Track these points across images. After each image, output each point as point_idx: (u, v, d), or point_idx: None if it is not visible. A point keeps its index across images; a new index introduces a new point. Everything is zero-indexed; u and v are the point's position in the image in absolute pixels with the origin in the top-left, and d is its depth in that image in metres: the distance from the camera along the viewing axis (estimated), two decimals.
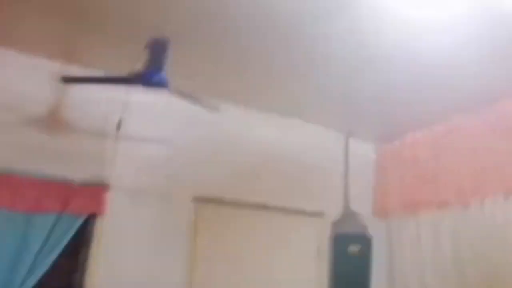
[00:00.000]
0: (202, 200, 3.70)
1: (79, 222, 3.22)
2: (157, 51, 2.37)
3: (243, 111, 3.99)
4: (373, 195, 4.41)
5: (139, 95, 3.25)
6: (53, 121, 3.23)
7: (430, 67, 3.02)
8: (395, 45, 2.72)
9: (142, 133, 3.56)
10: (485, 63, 2.87)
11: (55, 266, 3.08)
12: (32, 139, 3.15)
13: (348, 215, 4.29)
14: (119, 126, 3.23)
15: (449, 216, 3.64)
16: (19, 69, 3.15)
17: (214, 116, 3.59)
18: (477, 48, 2.69)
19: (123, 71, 2.72)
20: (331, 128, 4.35)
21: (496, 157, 3.31)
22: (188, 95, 2.87)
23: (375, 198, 4.39)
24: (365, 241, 4.23)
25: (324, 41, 2.76)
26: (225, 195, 3.79)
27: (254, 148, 4.00)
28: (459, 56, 2.79)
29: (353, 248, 4.18)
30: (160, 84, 2.57)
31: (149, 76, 2.51)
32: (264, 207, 3.91)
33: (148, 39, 2.38)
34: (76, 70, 3.21)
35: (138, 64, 2.59)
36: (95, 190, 3.30)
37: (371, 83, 3.36)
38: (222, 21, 2.66)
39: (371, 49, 2.77)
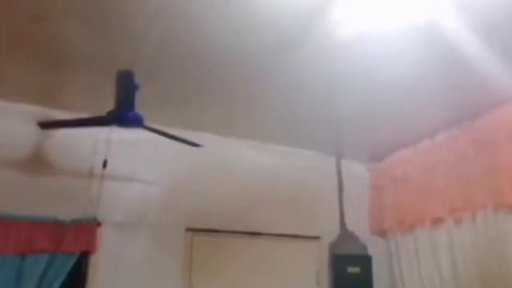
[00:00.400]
0: (195, 231, 3.74)
1: (72, 261, 3.26)
2: (126, 85, 2.43)
3: (231, 141, 4.04)
4: (369, 214, 4.38)
5: (123, 132, 3.32)
6: (39, 163, 3.32)
7: (406, 87, 3.04)
8: (367, 70, 2.76)
9: (130, 168, 3.63)
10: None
11: None
12: (20, 182, 3.24)
13: (345, 236, 4.27)
14: (105, 164, 3.29)
15: (444, 231, 3.62)
16: (2, 116, 3.26)
17: (206, 147, 3.66)
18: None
19: (103, 111, 2.81)
20: (321, 151, 4.37)
21: (482, 171, 3.29)
22: (164, 132, 2.92)
23: (372, 217, 4.37)
24: (365, 261, 4.21)
25: (295, 70, 2.81)
26: (218, 225, 3.82)
27: (245, 177, 4.03)
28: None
29: (353, 269, 4.15)
30: (135, 122, 2.62)
31: (123, 115, 2.57)
32: (258, 234, 3.93)
33: (116, 73, 2.44)
34: (57, 113, 3.30)
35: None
36: (87, 228, 3.36)
37: (352, 105, 3.38)
38: (197, 55, 2.75)
39: (344, 76, 2.81)
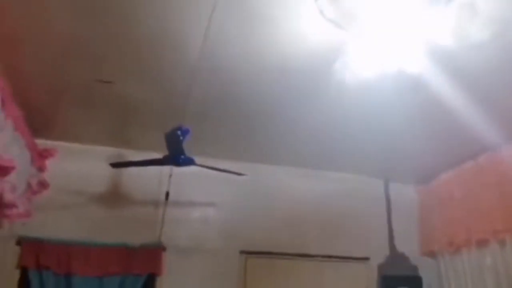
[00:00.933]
0: (249, 253, 4.08)
1: (141, 282, 3.72)
2: (174, 139, 2.86)
3: (281, 168, 4.36)
4: (419, 235, 4.48)
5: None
6: (112, 196, 3.87)
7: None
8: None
9: (190, 197, 4.08)
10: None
11: None
12: (97, 213, 3.80)
13: (395, 257, 4.40)
14: (167, 196, 3.78)
15: (488, 253, 3.66)
16: (82, 158, 3.85)
17: (255, 175, 4.05)
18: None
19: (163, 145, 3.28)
20: (369, 175, 4.54)
21: None
22: (213, 167, 3.33)
23: (422, 238, 4.46)
24: (415, 282, 4.30)
25: (311, 114, 3.18)
26: (270, 247, 4.13)
27: (295, 201, 4.31)
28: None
29: None
30: (187, 162, 3.06)
31: (176, 158, 3.02)
32: (308, 256, 4.18)
33: (164, 135, 2.89)
34: (126, 152, 3.86)
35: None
36: (153, 252, 3.82)
37: (401, 133, 3.55)
38: (237, 100, 3.14)
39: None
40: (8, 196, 2.83)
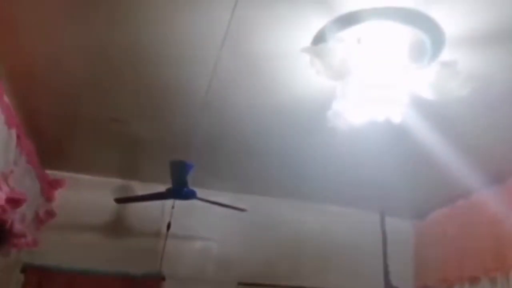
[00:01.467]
0: (246, 285, 4.17)
1: None
2: (178, 170, 3.02)
3: (278, 201, 4.49)
4: (414, 270, 4.56)
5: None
6: (115, 226, 4.01)
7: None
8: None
9: (190, 229, 4.20)
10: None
11: None
12: (100, 243, 3.94)
13: None
14: (168, 227, 3.90)
15: None
16: (89, 188, 4.02)
17: (254, 207, 4.18)
18: None
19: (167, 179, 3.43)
20: (365, 210, 4.67)
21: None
22: (214, 201, 3.47)
23: (416, 273, 4.54)
24: None
25: (309, 151, 3.36)
26: (267, 279, 4.23)
27: (291, 234, 4.44)
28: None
29: None
30: (189, 196, 3.22)
31: (179, 192, 3.18)
32: None
33: (170, 163, 3.05)
34: (133, 184, 4.02)
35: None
36: (153, 282, 3.94)
37: (398, 163, 3.67)
38: (238, 136, 3.31)
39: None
40: (18, 226, 2.97)
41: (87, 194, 4.01)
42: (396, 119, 2.09)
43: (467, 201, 3.99)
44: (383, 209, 4.72)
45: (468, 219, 3.92)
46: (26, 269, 3.67)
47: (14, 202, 2.58)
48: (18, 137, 2.74)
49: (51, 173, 3.86)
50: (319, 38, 2.03)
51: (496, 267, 3.57)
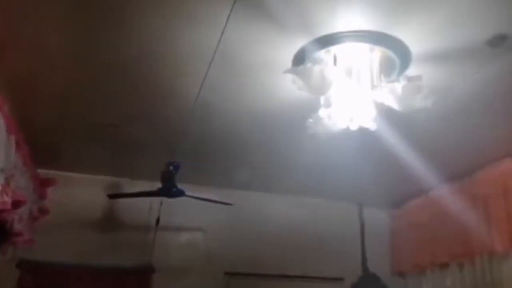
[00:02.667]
0: (232, 274, 4.42)
1: None
2: (167, 174, 3.24)
3: (262, 195, 4.74)
4: (390, 257, 4.88)
5: None
6: (107, 221, 4.21)
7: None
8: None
9: (178, 222, 4.42)
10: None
11: None
12: (93, 237, 4.13)
13: (367, 277, 4.76)
14: (157, 221, 4.12)
15: (449, 275, 4.08)
16: (80, 186, 4.19)
17: (239, 201, 4.41)
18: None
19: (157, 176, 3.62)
20: (345, 201, 4.94)
21: (478, 222, 3.76)
22: (201, 197, 3.70)
23: (392, 259, 4.86)
24: None
25: (290, 148, 3.61)
26: (252, 269, 4.48)
27: (276, 225, 4.67)
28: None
29: None
30: (178, 194, 3.44)
31: (169, 190, 3.39)
32: (287, 277, 4.54)
33: (163, 166, 3.26)
34: (123, 181, 4.21)
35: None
36: (143, 274, 4.15)
37: (372, 163, 3.94)
38: (227, 136, 3.51)
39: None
40: (17, 226, 3.15)
41: (79, 191, 4.18)
42: (371, 126, 2.33)
43: (436, 193, 4.29)
44: (361, 200, 4.99)
45: (438, 210, 4.22)
46: (22, 265, 3.83)
47: (16, 204, 2.75)
48: (17, 142, 2.89)
49: (43, 172, 4.00)
50: (299, 57, 2.25)
51: (464, 254, 3.90)
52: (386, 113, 2.34)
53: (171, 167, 3.21)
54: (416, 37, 2.21)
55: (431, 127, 3.00)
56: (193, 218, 4.48)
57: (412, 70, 2.36)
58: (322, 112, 2.32)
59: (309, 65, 2.07)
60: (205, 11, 2.10)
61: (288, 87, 2.43)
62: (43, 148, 3.68)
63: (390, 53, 2.25)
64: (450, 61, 2.35)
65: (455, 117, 2.83)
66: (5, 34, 2.36)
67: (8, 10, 2.17)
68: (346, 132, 2.45)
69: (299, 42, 2.25)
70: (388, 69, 2.33)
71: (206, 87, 2.68)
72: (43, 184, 3.99)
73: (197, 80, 2.63)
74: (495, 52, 2.24)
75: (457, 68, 2.40)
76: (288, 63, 2.39)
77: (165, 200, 4.08)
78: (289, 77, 2.17)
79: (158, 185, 3.54)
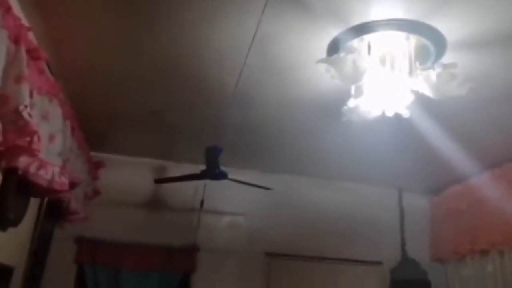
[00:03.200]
0: (273, 255, 4.58)
1: (178, 279, 4.30)
2: (211, 155, 3.40)
3: (302, 180, 4.84)
4: (429, 243, 4.88)
5: None
6: (154, 203, 4.45)
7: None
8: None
9: (221, 204, 4.62)
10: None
11: None
12: (141, 218, 4.39)
13: (406, 262, 4.81)
14: (202, 203, 4.32)
15: (490, 262, 4.05)
16: (129, 168, 4.46)
17: (279, 185, 4.55)
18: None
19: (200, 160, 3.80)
20: (384, 187, 4.97)
21: None
22: (243, 181, 3.85)
23: (432, 246, 4.86)
24: (424, 286, 4.70)
25: (329, 133, 3.68)
26: (292, 250, 4.62)
27: (316, 209, 4.78)
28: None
29: None
30: (221, 177, 3.61)
31: (212, 173, 3.56)
32: (327, 259, 4.66)
33: (204, 149, 3.43)
34: (169, 164, 4.44)
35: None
36: (189, 253, 4.38)
37: (415, 150, 3.97)
38: (265, 123, 3.64)
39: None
40: (73, 205, 3.42)
41: (128, 173, 4.46)
42: (405, 114, 2.38)
43: (476, 180, 4.25)
44: (401, 185, 5.00)
45: (478, 196, 4.18)
46: (79, 240, 4.16)
47: (72, 184, 3.00)
48: (72, 127, 3.14)
49: (95, 155, 4.29)
50: (334, 46, 2.32)
51: (504, 241, 3.86)
52: (422, 100, 2.38)
53: (215, 150, 3.37)
54: (452, 24, 2.22)
55: (468, 114, 2.99)
56: (236, 200, 4.66)
57: (447, 58, 2.38)
58: (356, 100, 2.38)
59: (342, 54, 2.14)
60: (241, 4, 2.21)
61: (322, 76, 2.50)
62: (95, 133, 3.95)
63: (425, 41, 2.28)
64: (486, 48, 2.35)
65: (492, 105, 2.82)
66: (64, 29, 2.57)
67: (67, 7, 2.38)
68: (382, 119, 2.52)
69: (333, 32, 2.32)
70: (423, 57, 2.36)
71: (243, 77, 2.80)
72: (95, 166, 4.28)
73: (236, 70, 2.76)
74: None
75: (493, 55, 2.39)
76: (323, 53, 2.47)
77: (209, 183, 4.29)
78: (323, 66, 2.25)
79: (201, 168, 3.71)
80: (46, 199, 3.32)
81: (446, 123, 2.98)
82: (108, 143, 4.28)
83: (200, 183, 4.31)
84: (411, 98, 2.30)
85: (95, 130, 3.91)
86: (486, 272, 4.10)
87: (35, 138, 2.16)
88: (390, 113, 2.38)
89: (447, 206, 4.71)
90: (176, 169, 4.40)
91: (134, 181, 4.45)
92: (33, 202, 3.03)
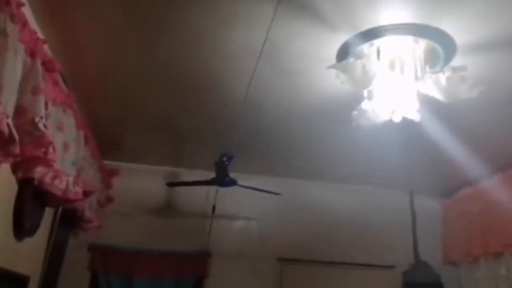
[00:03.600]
0: (285, 260, 4.59)
1: (191, 284, 4.33)
2: (221, 165, 3.43)
3: (314, 183, 4.85)
4: (441, 245, 4.85)
5: None
6: (167, 209, 4.49)
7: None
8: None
9: (233, 210, 4.65)
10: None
11: None
12: (154, 224, 4.43)
13: (419, 265, 4.79)
14: (213, 209, 4.35)
15: (503, 264, 4.02)
16: (142, 176, 4.51)
17: (290, 190, 4.56)
18: None
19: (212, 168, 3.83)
20: (395, 189, 4.96)
21: None
22: (252, 187, 3.87)
23: (444, 248, 4.83)
24: None
25: (339, 137, 3.68)
26: (304, 255, 4.63)
27: (327, 213, 4.79)
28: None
29: None
30: (230, 184, 3.64)
31: (222, 180, 3.60)
32: (339, 263, 4.65)
33: (217, 157, 3.46)
34: (180, 171, 4.48)
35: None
36: (201, 258, 4.41)
37: (426, 153, 3.96)
38: (273, 129, 3.67)
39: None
40: (87, 213, 3.47)
41: (140, 181, 4.51)
42: (416, 118, 2.38)
43: (488, 182, 4.22)
44: (412, 188, 4.99)
45: (490, 199, 4.16)
46: (93, 248, 4.20)
47: (86, 193, 3.05)
48: (85, 137, 3.18)
49: (108, 163, 4.34)
50: (343, 52, 2.34)
51: None
52: (432, 104, 2.39)
53: (224, 158, 3.40)
54: (461, 27, 2.23)
55: (478, 117, 2.99)
56: (247, 205, 4.68)
57: (457, 61, 2.39)
58: (365, 105, 2.40)
59: (351, 60, 2.16)
60: (251, 10, 2.24)
61: (333, 81, 2.52)
62: (108, 141, 4.00)
63: (434, 44, 2.29)
64: (496, 51, 2.35)
65: (503, 107, 2.81)
66: (77, 39, 2.62)
67: (79, 17, 2.42)
68: (392, 123, 2.53)
69: (342, 37, 2.34)
70: (432, 60, 2.37)
71: (254, 83, 2.83)
72: (109, 174, 4.33)
73: (246, 76, 2.79)
74: None
75: (503, 57, 2.40)
76: (333, 58, 2.49)
77: (220, 189, 4.30)
78: (333, 71, 2.27)
79: (214, 175, 3.74)
80: (60, 208, 3.36)
81: (455, 126, 2.99)
82: (121, 151, 4.33)
83: (211, 188, 4.34)
84: (419, 102, 2.31)
85: (108, 138, 3.96)
86: (499, 275, 4.07)
87: (51, 149, 2.20)
88: (399, 118, 2.40)
89: (459, 208, 4.69)
90: (188, 176, 4.44)
91: (146, 188, 4.49)
92: (48, 211, 3.08)
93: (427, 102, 2.35)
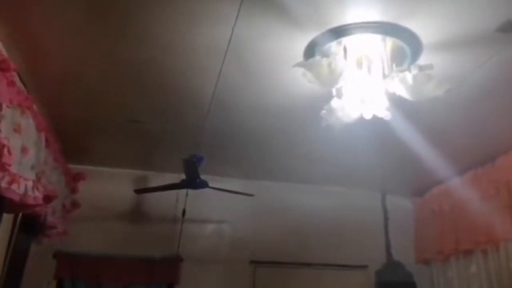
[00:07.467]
0: (258, 263, 4.53)
1: None
2: (190, 165, 3.35)
3: (286, 185, 4.82)
4: (414, 244, 4.88)
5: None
6: (136, 214, 4.37)
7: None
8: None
9: (204, 213, 4.56)
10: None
11: None
12: (123, 229, 4.31)
13: (391, 264, 4.78)
14: (183, 213, 4.25)
15: (474, 262, 4.06)
16: (109, 180, 4.38)
17: (261, 192, 4.50)
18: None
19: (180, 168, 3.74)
20: (368, 189, 4.96)
21: (501, 208, 3.73)
22: (224, 189, 3.80)
23: (416, 247, 4.86)
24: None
25: (309, 139, 3.64)
26: (277, 257, 4.58)
27: (299, 215, 4.76)
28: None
29: None
30: (201, 185, 3.55)
31: (193, 182, 3.51)
32: (312, 265, 4.62)
33: (183, 161, 3.37)
34: (149, 174, 4.37)
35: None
36: (172, 263, 4.30)
37: (396, 153, 3.95)
38: (241, 131, 3.61)
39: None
40: (50, 219, 3.33)
41: (107, 185, 4.37)
42: (386, 116, 2.36)
43: (459, 181, 4.27)
44: (384, 188, 4.99)
45: (461, 197, 4.20)
46: (58, 255, 4.05)
47: (47, 198, 2.92)
48: (46, 139, 3.05)
49: (74, 167, 4.19)
50: (310, 50, 2.30)
51: (487, 240, 3.87)
52: (400, 103, 2.37)
53: (194, 159, 3.32)
54: (427, 26, 2.22)
55: (446, 115, 3.01)
56: (218, 209, 4.60)
57: (423, 59, 2.38)
58: (334, 103, 2.37)
59: (317, 58, 2.12)
60: (215, 8, 2.18)
61: (300, 80, 2.48)
62: (74, 144, 3.87)
63: (400, 43, 2.28)
64: (461, 49, 2.35)
65: (469, 105, 2.83)
66: (35, 39, 2.50)
67: (37, 16, 2.31)
68: (361, 122, 2.49)
69: (309, 35, 2.30)
70: (399, 59, 2.36)
71: (221, 83, 2.77)
72: (74, 178, 4.19)
73: (212, 76, 2.72)
74: (506, 38, 2.23)
75: (469, 55, 2.40)
76: (300, 57, 2.45)
77: (191, 192, 4.23)
78: (300, 70, 2.22)
79: (183, 177, 3.65)
80: (20, 214, 3.22)
81: (425, 125, 2.99)
82: (88, 154, 4.20)
83: (181, 192, 4.26)
84: (387, 101, 2.29)
85: (74, 141, 3.83)
86: (470, 273, 4.11)
87: (5, 152, 2.09)
88: (368, 116, 2.37)
89: (430, 207, 4.72)
90: (157, 179, 4.35)
91: (114, 193, 4.37)
92: (7, 218, 2.94)
93: (396, 102, 2.33)
